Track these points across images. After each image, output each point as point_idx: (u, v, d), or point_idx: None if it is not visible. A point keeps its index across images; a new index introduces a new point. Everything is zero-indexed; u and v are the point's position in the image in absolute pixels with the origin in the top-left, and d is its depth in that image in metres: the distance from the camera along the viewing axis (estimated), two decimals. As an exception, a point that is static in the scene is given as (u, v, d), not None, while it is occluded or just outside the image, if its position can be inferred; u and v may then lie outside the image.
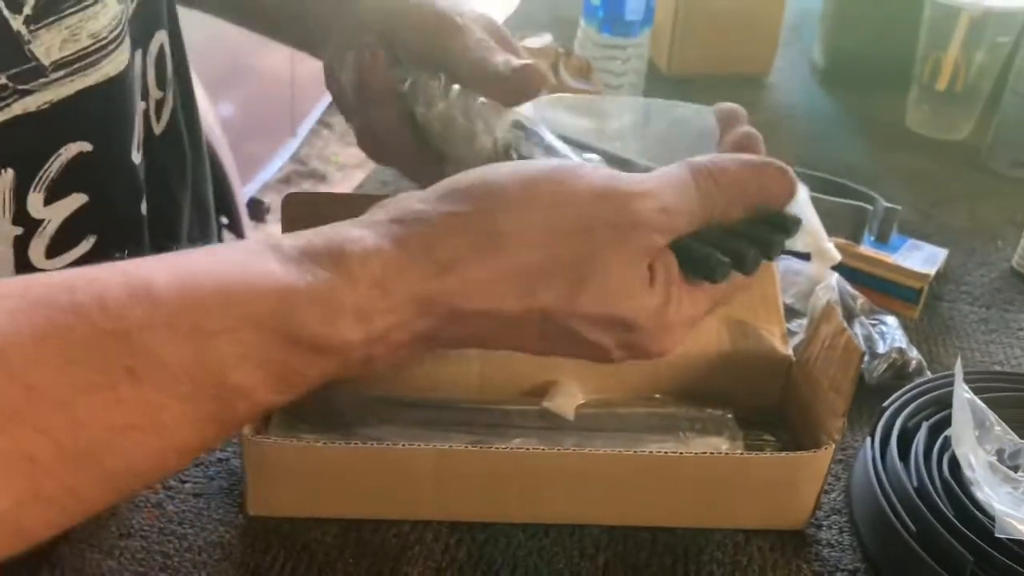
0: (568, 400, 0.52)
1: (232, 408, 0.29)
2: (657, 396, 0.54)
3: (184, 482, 0.49)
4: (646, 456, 0.46)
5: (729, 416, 0.53)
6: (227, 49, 1.95)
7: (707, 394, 0.54)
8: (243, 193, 2.07)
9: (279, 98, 2.33)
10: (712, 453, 0.48)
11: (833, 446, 0.46)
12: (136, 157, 0.47)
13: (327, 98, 2.64)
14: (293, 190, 0.57)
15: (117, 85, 0.44)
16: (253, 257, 0.30)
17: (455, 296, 0.32)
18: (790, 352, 0.54)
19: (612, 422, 0.52)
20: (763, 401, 0.54)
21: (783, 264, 0.63)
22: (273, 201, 2.14)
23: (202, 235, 0.60)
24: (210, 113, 1.81)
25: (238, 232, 1.99)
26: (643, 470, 0.47)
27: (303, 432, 0.50)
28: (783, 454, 0.49)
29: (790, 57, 1.15)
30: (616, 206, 0.33)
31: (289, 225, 0.50)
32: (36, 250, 0.42)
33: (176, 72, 0.53)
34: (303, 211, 0.50)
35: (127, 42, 0.44)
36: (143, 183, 0.47)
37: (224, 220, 1.98)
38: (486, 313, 0.32)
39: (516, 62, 0.43)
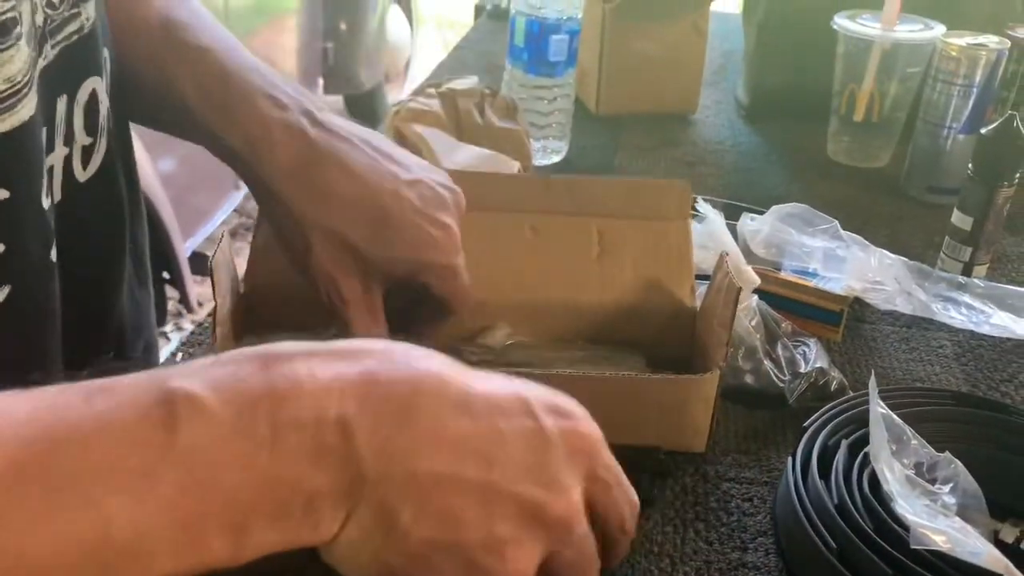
0: (499, 335, 0.59)
1: None
2: (579, 343, 0.60)
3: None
4: (550, 375, 0.49)
5: (640, 360, 0.58)
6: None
7: (623, 342, 0.59)
8: (187, 247, 2.04)
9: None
10: (609, 374, 0.53)
11: (719, 371, 0.52)
12: (45, 203, 0.46)
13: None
14: (239, 243, 0.59)
15: (29, 129, 0.43)
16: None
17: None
18: (696, 305, 0.59)
19: (540, 360, 0.58)
20: (673, 350, 0.60)
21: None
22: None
23: (140, 286, 0.59)
24: (149, 168, 1.79)
25: (180, 287, 1.96)
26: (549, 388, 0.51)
27: None
28: (672, 376, 0.54)
29: (716, 96, 1.18)
30: None
31: None
32: None
33: (113, 118, 0.53)
34: None
35: (35, 86, 0.44)
36: (54, 230, 0.47)
37: (165, 275, 1.95)
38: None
39: None
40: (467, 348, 0.59)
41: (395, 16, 3.40)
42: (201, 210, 2.25)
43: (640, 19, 1.02)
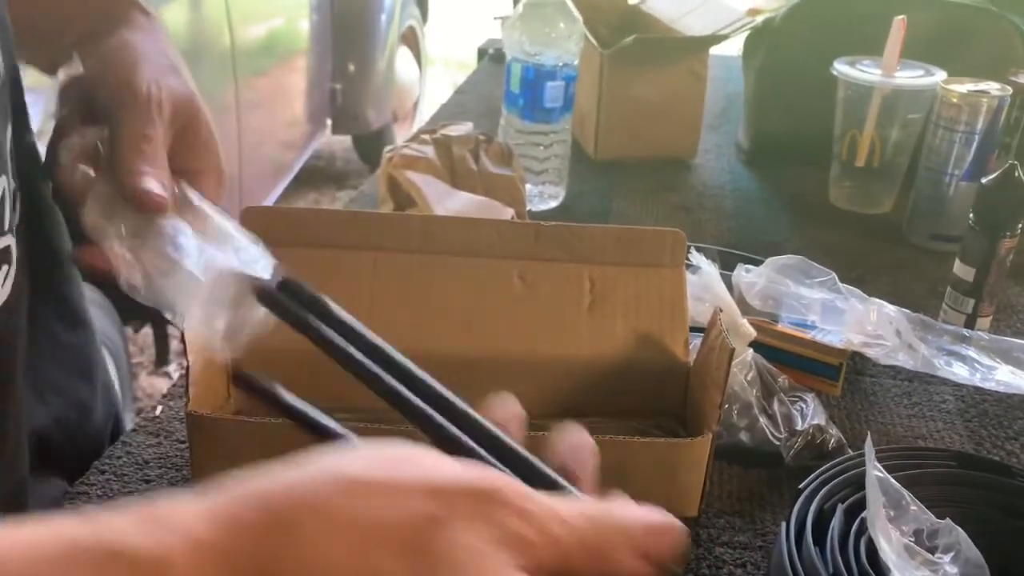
0: None
1: None
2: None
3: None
4: (538, 438, 0.48)
5: (632, 424, 0.57)
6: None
7: (617, 399, 0.58)
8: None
9: (227, 193, 2.33)
10: (597, 437, 0.49)
11: (711, 435, 0.50)
12: None
13: (277, 191, 2.67)
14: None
15: None
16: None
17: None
18: (690, 360, 0.58)
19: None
20: (668, 405, 0.59)
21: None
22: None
23: (68, 330, 0.58)
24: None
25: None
26: (536, 452, 0.48)
27: None
28: (662, 440, 0.53)
29: (716, 140, 1.18)
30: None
31: None
32: None
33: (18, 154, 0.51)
34: (260, 222, 0.54)
35: None
36: None
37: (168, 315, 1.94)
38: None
39: (141, 186, 0.42)
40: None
41: (403, 57, 3.43)
42: (206, 249, 2.25)
43: (638, 65, 1.02)
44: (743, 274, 0.67)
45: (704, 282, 0.64)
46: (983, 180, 0.70)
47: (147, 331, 2.02)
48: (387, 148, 0.84)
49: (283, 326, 0.56)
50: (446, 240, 0.59)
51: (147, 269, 0.43)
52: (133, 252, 0.43)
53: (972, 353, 0.65)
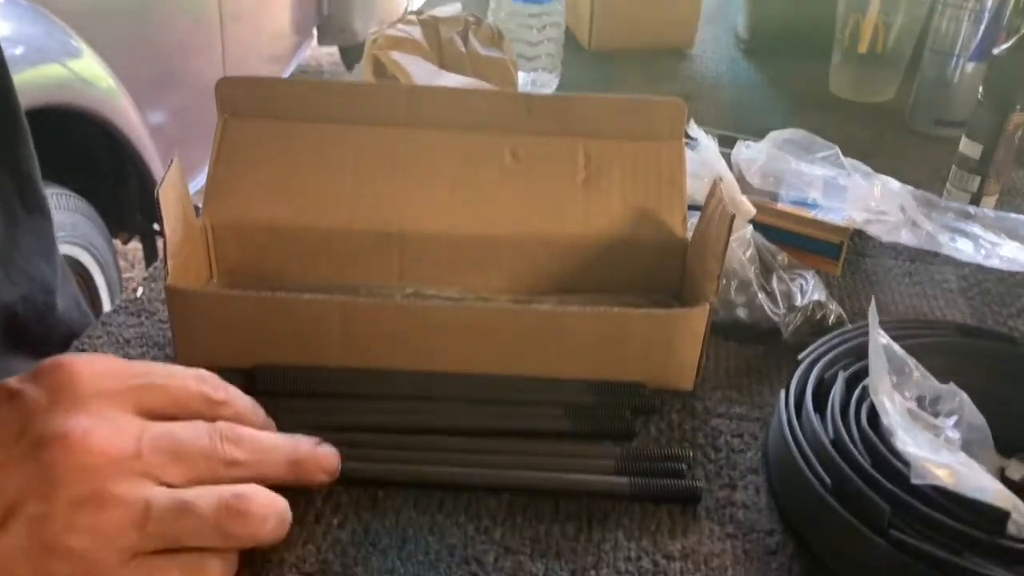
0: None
1: None
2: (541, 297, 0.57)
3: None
4: (532, 310, 0.49)
5: (628, 300, 0.55)
6: (156, 56, 1.89)
7: (613, 276, 0.56)
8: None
9: (213, 103, 2.27)
10: (590, 309, 0.50)
11: (708, 305, 0.49)
12: None
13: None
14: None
15: None
16: None
17: None
18: (687, 235, 0.56)
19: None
20: (664, 282, 0.57)
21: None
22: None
23: (27, 213, 0.56)
24: (137, 121, 1.75)
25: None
26: (530, 323, 0.49)
27: None
28: (659, 310, 0.51)
29: (715, 32, 1.13)
30: None
31: (223, 106, 0.56)
32: None
33: None
34: (238, 94, 0.56)
35: None
36: None
37: (156, 227, 1.92)
38: None
39: None
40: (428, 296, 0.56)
41: (391, -35, 3.31)
42: (192, 162, 2.20)
43: (634, -54, 0.97)
44: (743, 150, 0.65)
45: (702, 158, 0.61)
46: (995, 51, 0.67)
47: (136, 245, 2.00)
48: (371, 30, 0.80)
49: (268, 199, 0.55)
50: (434, 113, 0.57)
51: None
52: None
53: (977, 230, 0.63)
